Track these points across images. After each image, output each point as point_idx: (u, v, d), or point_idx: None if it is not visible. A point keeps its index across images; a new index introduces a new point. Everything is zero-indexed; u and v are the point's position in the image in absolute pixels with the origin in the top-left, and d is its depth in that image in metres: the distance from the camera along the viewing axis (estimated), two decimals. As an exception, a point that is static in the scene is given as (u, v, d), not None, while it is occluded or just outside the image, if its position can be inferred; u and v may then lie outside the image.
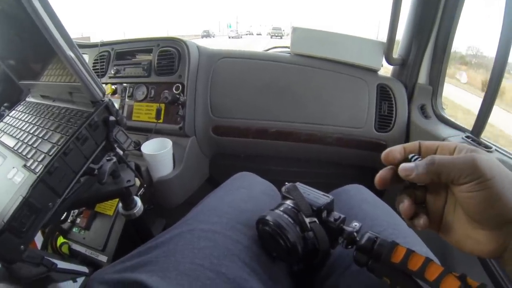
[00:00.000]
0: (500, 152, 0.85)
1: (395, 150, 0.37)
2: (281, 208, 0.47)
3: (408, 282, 0.37)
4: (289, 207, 0.47)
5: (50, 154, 0.54)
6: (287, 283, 0.50)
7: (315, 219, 0.45)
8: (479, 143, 0.91)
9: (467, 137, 0.96)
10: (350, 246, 0.44)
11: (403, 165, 0.34)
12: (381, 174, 0.37)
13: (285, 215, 0.45)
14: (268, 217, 0.45)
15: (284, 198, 0.50)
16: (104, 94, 0.61)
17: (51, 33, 0.52)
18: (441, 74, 1.17)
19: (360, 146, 1.23)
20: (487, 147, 0.88)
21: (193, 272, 0.40)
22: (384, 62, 1.24)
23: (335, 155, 1.29)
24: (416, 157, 0.35)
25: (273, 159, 1.38)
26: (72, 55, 0.55)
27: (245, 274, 0.42)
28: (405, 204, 0.36)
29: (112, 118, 0.62)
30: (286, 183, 0.51)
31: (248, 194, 0.61)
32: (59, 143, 0.56)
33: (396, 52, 1.27)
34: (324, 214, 0.46)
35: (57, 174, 0.54)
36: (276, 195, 0.67)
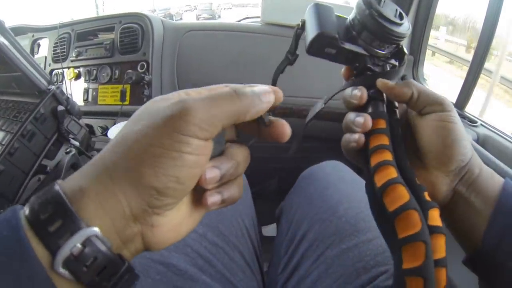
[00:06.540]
0: (486, 127, 0.80)
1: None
2: None
3: None
4: None
5: (-7, 155, 0.49)
6: (244, 273, 0.47)
7: None
8: (464, 117, 0.85)
9: None
10: None
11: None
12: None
13: None
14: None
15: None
16: (49, 82, 0.55)
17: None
18: (422, 42, 1.12)
19: (338, 118, 1.18)
20: (472, 122, 0.82)
21: (143, 267, 0.38)
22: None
23: (313, 129, 1.25)
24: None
25: None
26: (5, 42, 0.49)
27: (198, 265, 0.40)
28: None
29: (61, 107, 0.56)
30: None
31: None
32: (3, 143, 0.50)
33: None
34: None
35: (4, 178, 0.49)
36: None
